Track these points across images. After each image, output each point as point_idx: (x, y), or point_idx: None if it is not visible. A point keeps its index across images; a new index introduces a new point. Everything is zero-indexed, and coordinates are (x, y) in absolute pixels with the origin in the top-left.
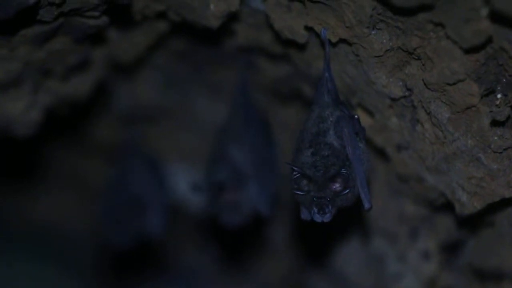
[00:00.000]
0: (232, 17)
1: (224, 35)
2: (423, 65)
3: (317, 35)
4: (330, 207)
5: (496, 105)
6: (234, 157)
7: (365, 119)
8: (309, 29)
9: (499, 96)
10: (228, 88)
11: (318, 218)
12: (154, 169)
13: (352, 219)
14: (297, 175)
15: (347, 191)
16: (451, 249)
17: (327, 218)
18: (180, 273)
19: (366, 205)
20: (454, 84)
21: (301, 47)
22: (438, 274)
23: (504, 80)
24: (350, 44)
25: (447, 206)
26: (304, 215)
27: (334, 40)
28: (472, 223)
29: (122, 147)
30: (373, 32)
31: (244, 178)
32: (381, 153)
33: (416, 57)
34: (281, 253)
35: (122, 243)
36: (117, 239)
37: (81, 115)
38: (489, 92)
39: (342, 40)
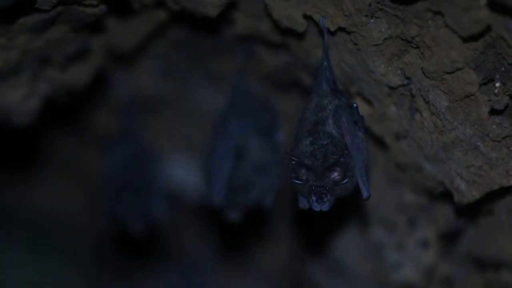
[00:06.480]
0: (231, 6)
1: (223, 24)
2: (422, 53)
3: (316, 24)
4: (328, 196)
5: (495, 94)
6: (253, 153)
7: (363, 108)
8: (307, 17)
9: (497, 84)
10: (227, 77)
11: (316, 207)
12: (151, 157)
13: (350, 208)
14: (295, 164)
15: (346, 180)
16: (449, 238)
17: (325, 207)
18: (179, 262)
19: (365, 194)
20: (452, 72)
21: (300, 36)
22: (437, 263)
23: (503, 68)
24: (348, 32)
25: (446, 195)
26: (302, 204)
27: (332, 28)
28: (471, 212)
29: (120, 134)
30: (371, 21)
31: (263, 173)
32: (379, 142)
33: (415, 46)
34: (280, 242)
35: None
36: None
37: (80, 104)
38: (488, 81)
39: (341, 29)
